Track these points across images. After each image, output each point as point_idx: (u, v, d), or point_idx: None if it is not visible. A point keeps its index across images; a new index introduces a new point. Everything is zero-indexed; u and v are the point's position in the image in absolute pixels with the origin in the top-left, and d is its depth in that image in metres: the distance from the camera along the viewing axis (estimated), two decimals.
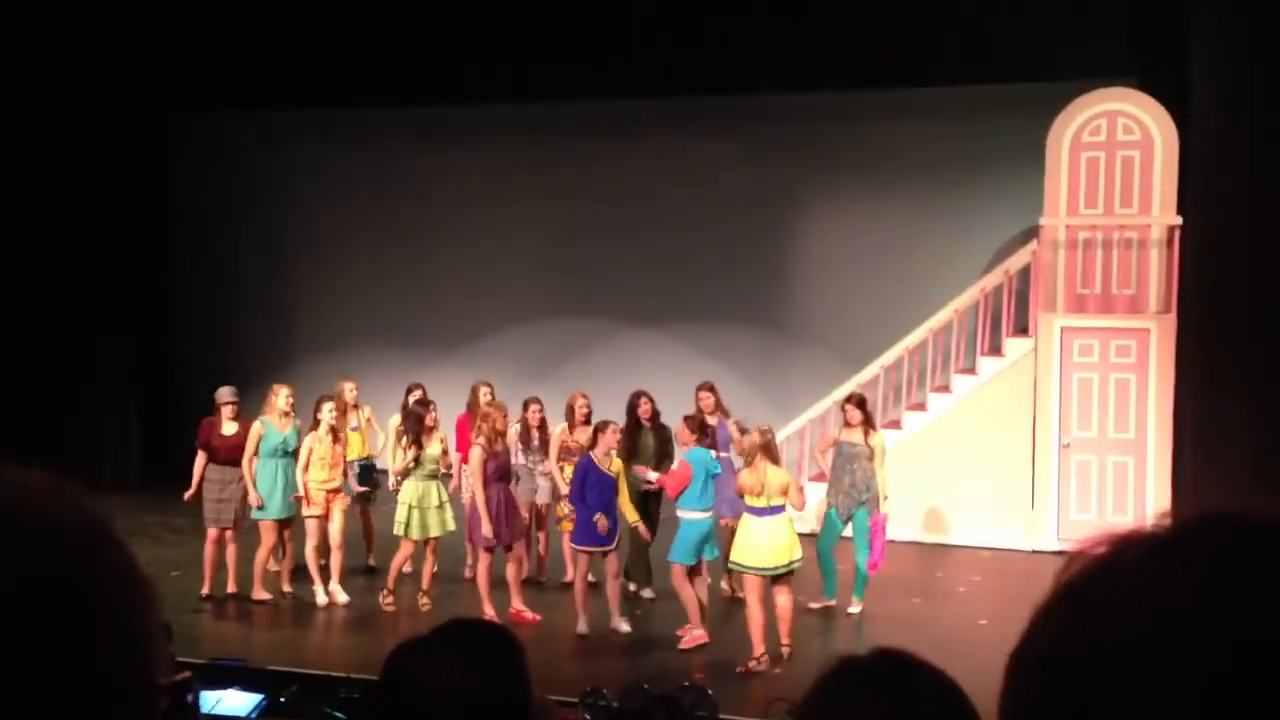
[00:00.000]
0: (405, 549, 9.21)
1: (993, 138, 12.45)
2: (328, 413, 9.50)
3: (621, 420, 9.17)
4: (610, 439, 8.60)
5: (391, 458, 9.80)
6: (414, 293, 14.65)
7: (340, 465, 9.63)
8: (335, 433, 9.54)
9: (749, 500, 8.07)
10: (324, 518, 9.48)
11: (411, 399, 10.07)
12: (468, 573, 9.81)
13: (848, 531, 9.38)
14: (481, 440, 8.93)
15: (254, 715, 5.59)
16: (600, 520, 8.47)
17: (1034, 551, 11.24)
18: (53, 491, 0.75)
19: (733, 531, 9.32)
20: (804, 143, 13.36)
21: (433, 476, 9.24)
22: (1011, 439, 11.55)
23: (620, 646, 8.51)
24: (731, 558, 8.32)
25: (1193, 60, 10.51)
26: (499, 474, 8.96)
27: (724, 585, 9.57)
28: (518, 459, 9.76)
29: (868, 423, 9.38)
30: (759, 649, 7.99)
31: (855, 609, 9.29)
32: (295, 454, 9.47)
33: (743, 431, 9.58)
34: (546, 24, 12.44)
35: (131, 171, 13.83)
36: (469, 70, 12.85)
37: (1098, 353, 11.37)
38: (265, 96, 13.57)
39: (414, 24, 12.77)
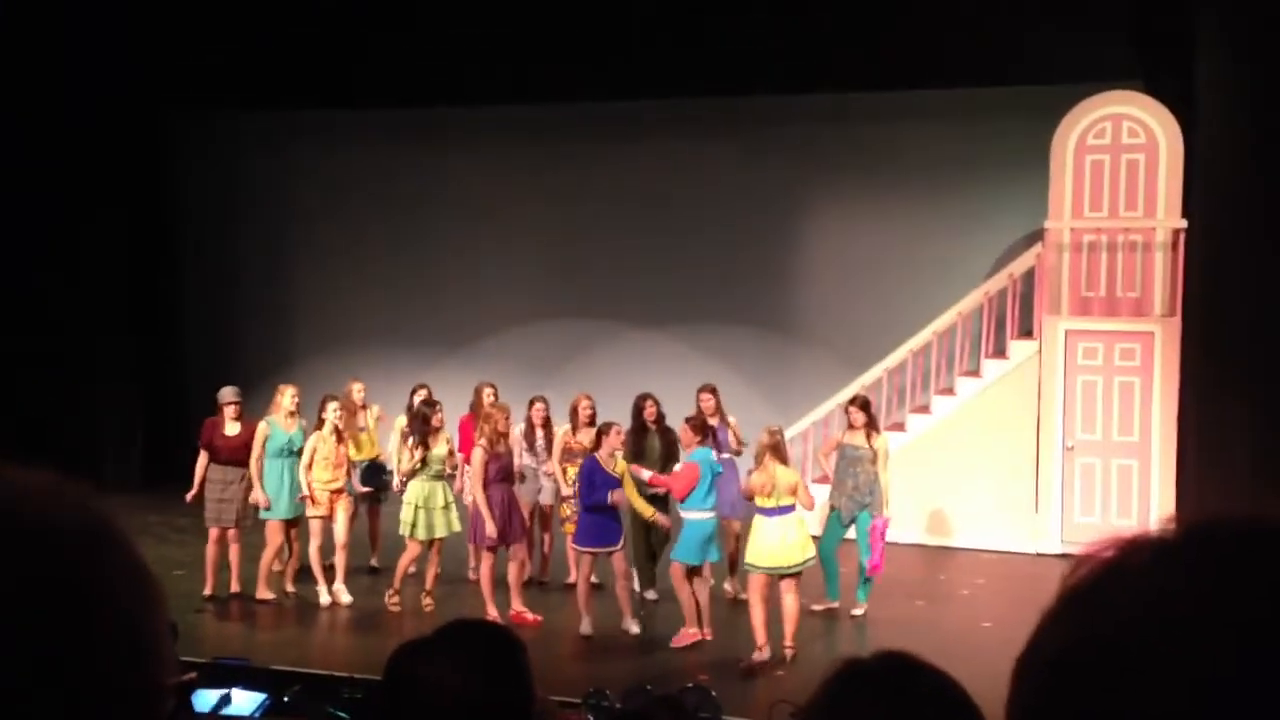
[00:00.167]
0: (412, 550, 9.21)
1: (997, 140, 12.44)
2: (332, 412, 9.51)
3: (625, 421, 9.18)
4: (615, 440, 8.62)
5: (397, 459, 9.81)
6: (416, 293, 14.66)
7: (344, 465, 9.64)
8: (339, 432, 9.55)
9: (759, 501, 8.13)
10: (328, 518, 9.49)
11: (417, 400, 10.07)
12: (471, 574, 9.82)
13: (851, 534, 9.38)
14: (483, 441, 8.94)
15: (257, 715, 5.60)
16: (615, 495, 8.47)
17: (1038, 554, 11.23)
18: (58, 491, 0.75)
19: (730, 532, 9.39)
20: (807, 144, 13.36)
21: (439, 477, 9.25)
22: (1015, 442, 11.54)
23: (623, 647, 8.51)
24: (746, 559, 8.36)
25: (1197, 63, 10.51)
26: (501, 475, 8.97)
27: (726, 587, 9.58)
28: (522, 459, 9.76)
29: (871, 425, 9.38)
30: (761, 641, 8.11)
31: (858, 611, 9.29)
32: (301, 454, 9.48)
33: (739, 442, 9.59)
34: (547, 25, 12.44)
35: (131, 171, 13.82)
36: (470, 71, 12.86)
37: (1102, 356, 11.37)
38: (265, 96, 13.57)
39: (414, 25, 12.77)
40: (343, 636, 9.15)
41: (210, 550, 9.48)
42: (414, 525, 9.14)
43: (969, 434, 11.70)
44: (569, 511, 9.52)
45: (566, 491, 9.56)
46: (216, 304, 15.13)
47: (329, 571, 9.53)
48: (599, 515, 8.62)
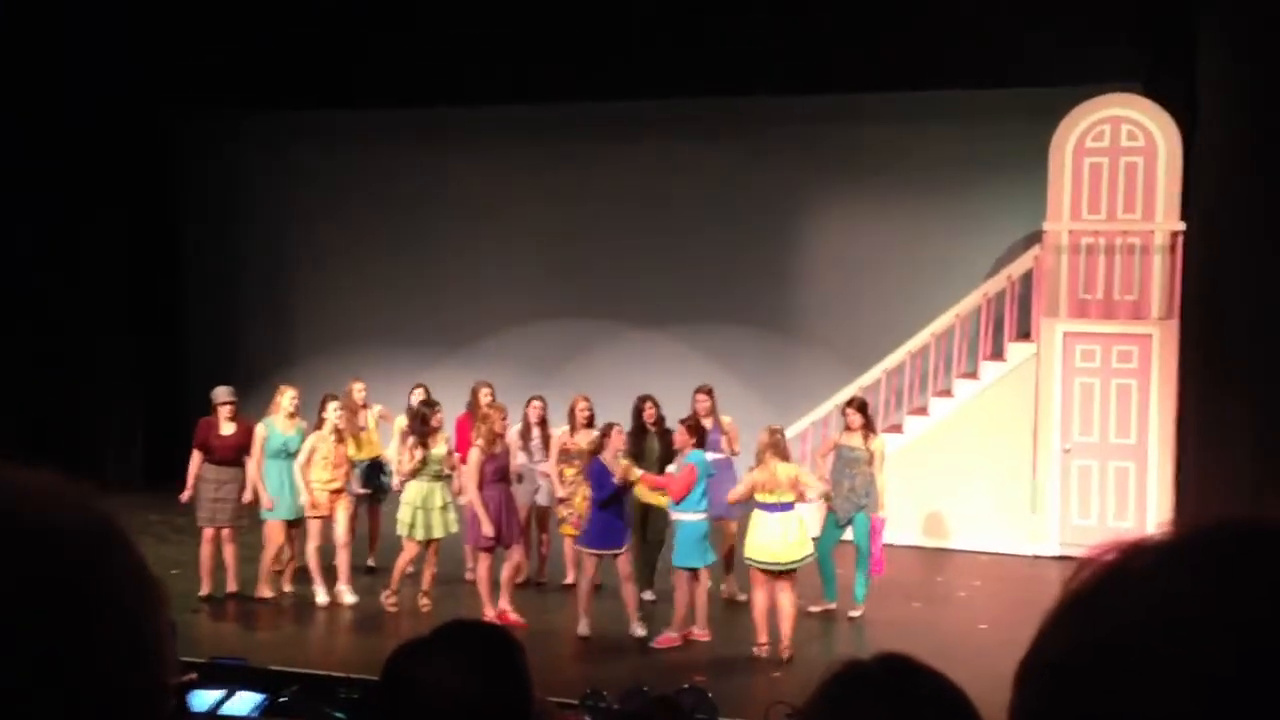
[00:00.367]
0: (410, 550, 9.20)
1: (996, 142, 12.45)
2: (333, 412, 9.50)
3: (625, 422, 9.19)
4: (618, 441, 8.65)
5: (397, 459, 9.80)
6: (415, 293, 14.66)
7: (344, 465, 9.63)
8: (339, 432, 9.54)
9: (759, 497, 8.23)
10: (327, 518, 9.48)
11: (415, 400, 10.06)
12: (468, 574, 9.81)
13: (848, 535, 9.39)
14: (480, 442, 8.93)
15: (254, 715, 5.59)
16: (621, 467, 8.48)
17: (1035, 557, 11.24)
18: (61, 491, 0.75)
19: (727, 532, 9.42)
20: (806, 145, 13.37)
21: (438, 478, 9.24)
22: (1013, 444, 11.55)
23: (620, 649, 8.51)
24: (745, 553, 8.42)
25: (1196, 64, 10.52)
26: (498, 475, 8.96)
27: (723, 588, 9.59)
28: (518, 459, 9.76)
29: (868, 427, 9.39)
30: (762, 636, 8.21)
31: (856, 613, 9.29)
32: (298, 455, 9.47)
33: (732, 447, 9.60)
34: (547, 25, 12.43)
35: (132, 171, 13.79)
36: (470, 71, 12.84)
37: (1100, 358, 11.37)
38: (265, 96, 13.55)
39: (415, 24, 12.75)
40: (340, 636, 9.14)
41: (205, 550, 9.47)
42: (412, 525, 9.14)
43: (967, 436, 11.70)
44: (565, 513, 9.53)
45: (561, 493, 9.55)
46: (217, 304, 15.13)
47: (329, 572, 9.52)
48: (606, 517, 8.62)
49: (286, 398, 9.63)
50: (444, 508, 9.22)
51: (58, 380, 13.17)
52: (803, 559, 8.30)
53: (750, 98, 12.87)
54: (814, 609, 9.25)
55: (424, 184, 14.43)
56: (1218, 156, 9.93)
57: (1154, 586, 0.66)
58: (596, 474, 8.69)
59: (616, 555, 8.65)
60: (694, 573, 8.49)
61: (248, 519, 9.59)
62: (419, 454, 9.14)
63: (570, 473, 9.46)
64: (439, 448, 9.25)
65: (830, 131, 13.27)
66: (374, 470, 10.36)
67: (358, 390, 10.26)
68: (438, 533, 9.19)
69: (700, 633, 8.63)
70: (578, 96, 13.05)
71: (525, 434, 9.88)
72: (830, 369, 12.86)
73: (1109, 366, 11.35)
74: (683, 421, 8.76)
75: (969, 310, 12.17)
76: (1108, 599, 0.68)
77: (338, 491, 9.54)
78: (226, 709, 5.55)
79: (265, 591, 9.53)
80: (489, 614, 8.65)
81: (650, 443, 9.40)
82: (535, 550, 10.07)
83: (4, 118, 12.43)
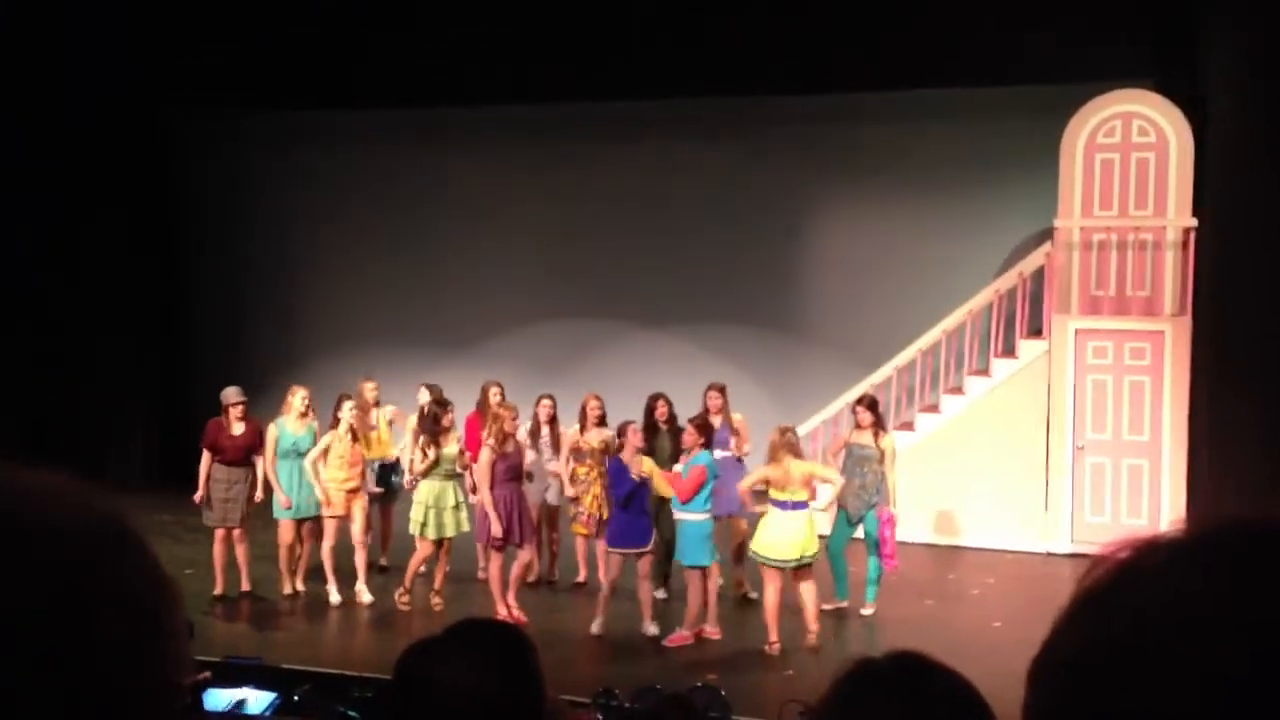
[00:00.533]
0: (423, 549, 9.21)
1: (1007, 139, 12.41)
2: (348, 411, 9.52)
3: (637, 421, 9.19)
4: (634, 439, 8.66)
5: (410, 458, 9.81)
6: (422, 293, 14.67)
7: (360, 465, 9.64)
8: (355, 432, 9.56)
9: (774, 494, 8.28)
10: (344, 517, 9.49)
11: (427, 399, 10.06)
12: (480, 573, 9.82)
13: (858, 533, 9.38)
14: (491, 441, 8.94)
15: (268, 714, 5.61)
16: (634, 464, 8.50)
17: (1048, 554, 11.21)
18: (73, 492, 0.76)
19: (737, 529, 9.43)
20: (817, 144, 13.35)
21: (450, 477, 9.25)
22: (1025, 441, 11.52)
23: (632, 647, 8.51)
24: (752, 548, 8.46)
25: (1208, 60, 10.47)
26: (509, 474, 8.96)
27: (744, 586, 9.60)
28: (527, 458, 9.75)
29: (878, 425, 9.39)
30: (773, 635, 8.24)
31: (868, 611, 9.29)
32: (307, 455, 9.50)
33: (741, 451, 9.58)
34: (548, 25, 12.41)
35: (132, 171, 13.78)
36: (471, 72, 12.84)
37: (1112, 355, 11.34)
38: (265, 96, 13.55)
39: (415, 24, 12.75)
40: (353, 635, 9.16)
41: (217, 550, 9.50)
42: (424, 525, 9.15)
43: (978, 433, 11.68)
44: (573, 511, 9.55)
45: (570, 491, 9.57)
46: (221, 304, 15.17)
47: (345, 571, 9.52)
48: (630, 516, 8.62)
49: (298, 398, 9.66)
50: (456, 507, 9.23)
51: (58, 381, 13.19)
52: (811, 556, 8.33)
53: (756, 97, 12.86)
54: (826, 607, 9.23)
55: (426, 184, 14.45)
56: (1229, 152, 9.89)
57: (1166, 585, 0.66)
58: (614, 473, 8.71)
59: (641, 554, 8.64)
60: (704, 571, 8.50)
61: (259, 518, 9.62)
62: (431, 453, 9.15)
63: (582, 471, 9.47)
64: (451, 447, 9.25)
65: (838, 130, 13.25)
66: (385, 470, 10.38)
67: (368, 389, 10.27)
68: (450, 532, 9.21)
69: (711, 630, 8.64)
70: (580, 96, 13.03)
71: (534, 433, 9.87)
72: (839, 367, 12.84)
73: (1121, 363, 11.32)
74: (691, 420, 8.76)
75: (980, 307, 12.15)
76: (1120, 597, 0.68)
77: (354, 491, 9.55)
78: (239, 709, 5.57)
79: (289, 587, 9.61)
80: (501, 612, 8.66)
81: (661, 441, 9.40)
82: (545, 549, 10.07)
83: (4, 118, 12.45)
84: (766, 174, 13.47)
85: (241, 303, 15.19)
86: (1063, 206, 11.44)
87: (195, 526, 10.00)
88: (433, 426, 9.24)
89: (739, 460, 9.61)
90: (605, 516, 9.26)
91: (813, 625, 8.35)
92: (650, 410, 9.54)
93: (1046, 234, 11.83)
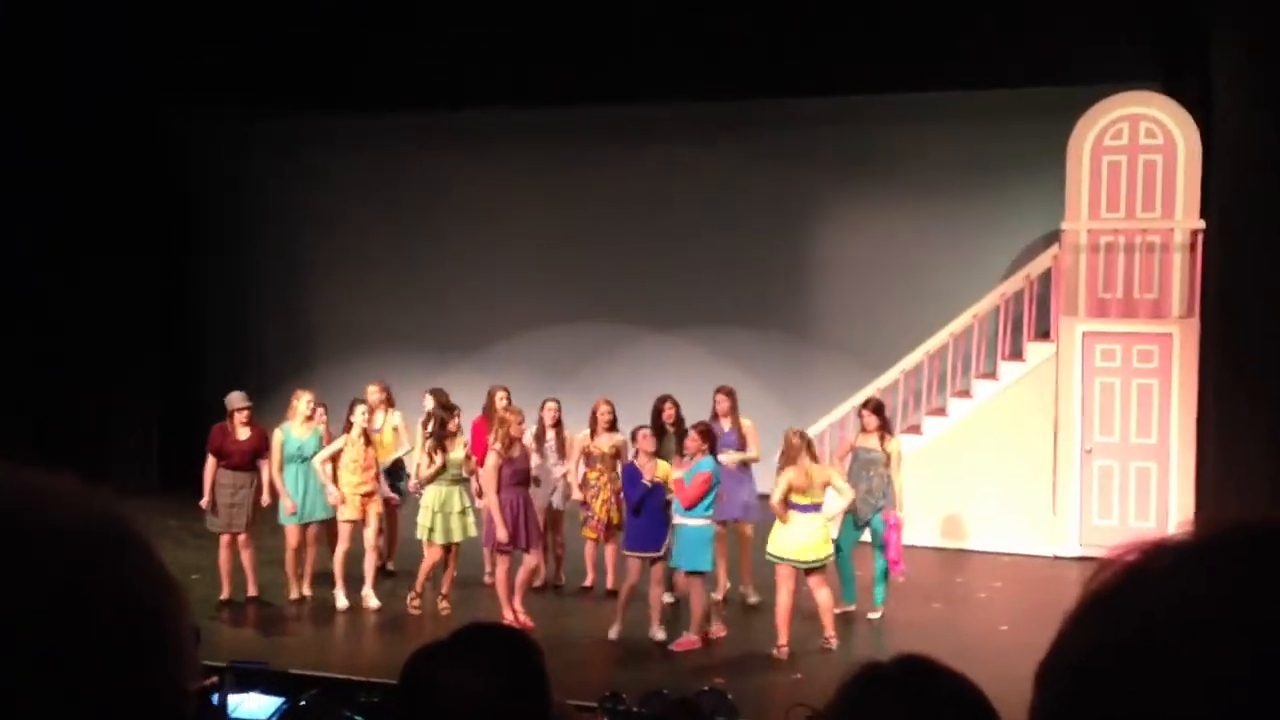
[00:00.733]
0: (432, 554, 9.19)
1: (1013, 141, 12.40)
2: (360, 416, 9.52)
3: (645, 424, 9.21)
4: (645, 443, 8.67)
5: (418, 463, 9.80)
6: (427, 296, 14.69)
7: (373, 468, 9.63)
8: (368, 436, 9.56)
9: (795, 498, 8.28)
10: (359, 522, 9.48)
11: (429, 404, 10.04)
12: (487, 578, 9.82)
13: (865, 537, 9.37)
14: (497, 445, 8.94)
15: (274, 718, 5.61)
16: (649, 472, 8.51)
17: (1055, 558, 11.19)
18: (80, 495, 0.76)
19: (743, 535, 9.42)
20: (820, 147, 13.35)
21: (456, 482, 9.24)
22: (1032, 444, 11.50)
23: (639, 651, 8.50)
24: (769, 548, 8.45)
25: (1215, 62, 10.45)
26: (516, 479, 8.96)
27: (742, 590, 9.58)
28: (532, 462, 9.75)
29: (884, 428, 9.39)
30: (782, 638, 8.25)
31: (875, 614, 9.28)
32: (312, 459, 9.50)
33: (742, 453, 9.56)
34: (554, 29, 12.40)
35: (132, 171, 13.74)
36: (476, 75, 12.84)
37: (1120, 357, 11.31)
38: (266, 97, 13.54)
39: (417, 26, 12.75)
40: (359, 640, 9.16)
41: (223, 555, 9.50)
42: (430, 529, 9.15)
43: (986, 436, 11.66)
44: (583, 516, 9.54)
45: (577, 495, 9.59)
46: (227, 305, 15.19)
47: (354, 576, 9.52)
48: (644, 519, 8.62)
49: (303, 402, 9.66)
50: (462, 512, 9.22)
51: (58, 381, 13.20)
52: (825, 558, 8.39)
53: (756, 100, 12.85)
54: (834, 611, 9.22)
55: (429, 187, 14.47)
56: (1236, 154, 9.87)
57: (1174, 587, 0.66)
58: (627, 477, 8.72)
59: (656, 559, 8.63)
60: (703, 575, 8.50)
61: (265, 523, 9.62)
62: (438, 459, 9.15)
63: (592, 476, 9.47)
64: (456, 452, 9.25)
65: (846, 133, 13.25)
66: (390, 474, 10.36)
67: (370, 392, 10.25)
68: (456, 537, 9.20)
69: (717, 629, 8.66)
70: (583, 100, 13.00)
71: (540, 436, 9.87)
72: (846, 371, 12.83)
73: (1129, 366, 11.29)
74: (694, 427, 8.76)
75: (987, 310, 12.13)
76: (1128, 600, 0.68)
77: (369, 494, 9.54)
78: (245, 713, 5.57)
79: (294, 592, 9.62)
80: (507, 617, 8.66)
81: (668, 444, 9.40)
82: (550, 553, 10.07)
83: (4, 118, 12.46)
84: (769, 177, 13.47)
85: (245, 304, 15.21)
86: (1070, 209, 11.42)
87: (201, 532, 10.01)
88: (439, 432, 9.24)
89: (745, 466, 9.60)
90: (615, 521, 9.26)
91: (829, 631, 8.38)
92: (658, 412, 9.55)
93: (1053, 237, 11.81)
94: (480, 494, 9.44)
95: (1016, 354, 11.92)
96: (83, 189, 13.21)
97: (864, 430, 9.43)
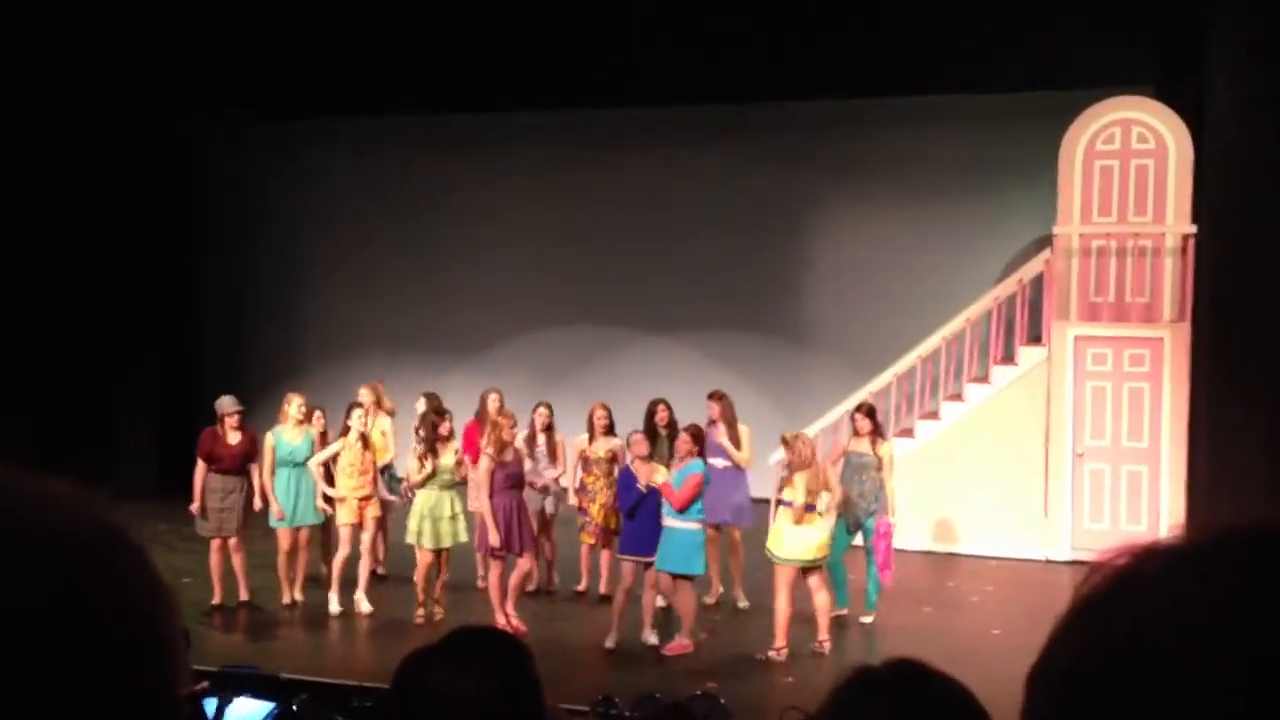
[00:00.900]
0: (424, 560, 9.17)
1: (1006, 145, 12.44)
2: (357, 419, 9.50)
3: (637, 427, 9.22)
4: (638, 448, 8.67)
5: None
6: (425, 298, 14.69)
7: (370, 472, 9.59)
8: (365, 439, 9.53)
9: (807, 500, 8.32)
10: (358, 526, 9.45)
11: (420, 408, 10.03)
12: (480, 582, 9.80)
13: (858, 541, 9.37)
14: (489, 449, 8.92)
15: None
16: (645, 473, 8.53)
17: (1047, 561, 11.20)
18: (74, 499, 0.75)
19: (733, 540, 9.42)
20: (816, 151, 13.37)
21: (447, 487, 9.22)
22: (1024, 448, 11.52)
23: (632, 655, 8.49)
24: (769, 547, 8.45)
25: (1209, 67, 10.48)
26: (509, 482, 8.95)
27: (733, 593, 9.58)
28: (524, 466, 9.73)
29: (877, 432, 9.40)
30: (780, 640, 8.26)
31: (867, 619, 9.28)
32: (306, 463, 9.48)
33: (737, 452, 9.56)
34: (555, 31, 12.41)
35: (132, 171, 13.73)
36: (476, 76, 12.85)
37: (1111, 361, 11.34)
38: (266, 97, 13.54)
39: (416, 27, 12.74)
40: (351, 644, 9.14)
41: (214, 559, 9.47)
42: (420, 534, 9.12)
43: (978, 440, 11.68)
44: (580, 520, 9.54)
45: (573, 500, 9.58)
46: (225, 305, 15.18)
47: (347, 580, 9.49)
48: (639, 522, 8.61)
49: (294, 405, 9.63)
50: (453, 517, 9.18)
51: (58, 381, 13.17)
52: (824, 557, 8.46)
53: (761, 103, 12.88)
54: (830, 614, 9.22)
55: (427, 189, 14.47)
56: (1228, 158, 9.90)
57: (1165, 591, 0.66)
58: (621, 481, 8.74)
59: (651, 563, 8.60)
60: (692, 579, 8.49)
61: (257, 527, 9.60)
62: (429, 464, 9.12)
63: (589, 481, 9.46)
64: (448, 457, 9.23)
65: (840, 136, 13.28)
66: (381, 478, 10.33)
67: (361, 394, 10.24)
68: (446, 542, 9.16)
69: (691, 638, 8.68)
70: (582, 102, 13.01)
71: (531, 441, 9.85)
72: (840, 374, 12.85)
73: (1121, 370, 11.32)
74: (686, 429, 8.76)
75: (980, 314, 12.15)
76: (1119, 604, 0.68)
77: (366, 498, 9.52)
78: (236, 718, 5.55)
79: (286, 597, 9.60)
80: (500, 621, 8.64)
81: (661, 446, 9.40)
82: (542, 558, 10.05)
83: (4, 118, 12.45)
84: (767, 180, 13.49)
85: (245, 304, 15.19)
86: (1062, 213, 11.45)
87: (191, 536, 9.98)
88: (430, 436, 9.22)
89: (739, 470, 9.60)
90: (613, 526, 9.24)
91: (823, 634, 8.40)
92: (650, 415, 9.55)
93: (1046, 240, 11.84)
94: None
95: (1009, 358, 11.94)
96: (83, 189, 13.21)
97: (856, 434, 9.45)
